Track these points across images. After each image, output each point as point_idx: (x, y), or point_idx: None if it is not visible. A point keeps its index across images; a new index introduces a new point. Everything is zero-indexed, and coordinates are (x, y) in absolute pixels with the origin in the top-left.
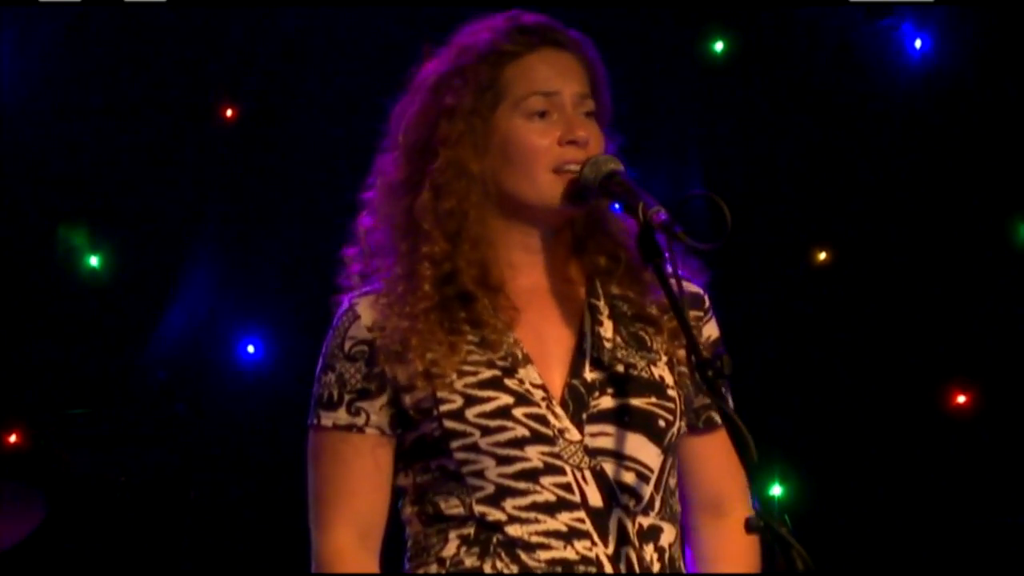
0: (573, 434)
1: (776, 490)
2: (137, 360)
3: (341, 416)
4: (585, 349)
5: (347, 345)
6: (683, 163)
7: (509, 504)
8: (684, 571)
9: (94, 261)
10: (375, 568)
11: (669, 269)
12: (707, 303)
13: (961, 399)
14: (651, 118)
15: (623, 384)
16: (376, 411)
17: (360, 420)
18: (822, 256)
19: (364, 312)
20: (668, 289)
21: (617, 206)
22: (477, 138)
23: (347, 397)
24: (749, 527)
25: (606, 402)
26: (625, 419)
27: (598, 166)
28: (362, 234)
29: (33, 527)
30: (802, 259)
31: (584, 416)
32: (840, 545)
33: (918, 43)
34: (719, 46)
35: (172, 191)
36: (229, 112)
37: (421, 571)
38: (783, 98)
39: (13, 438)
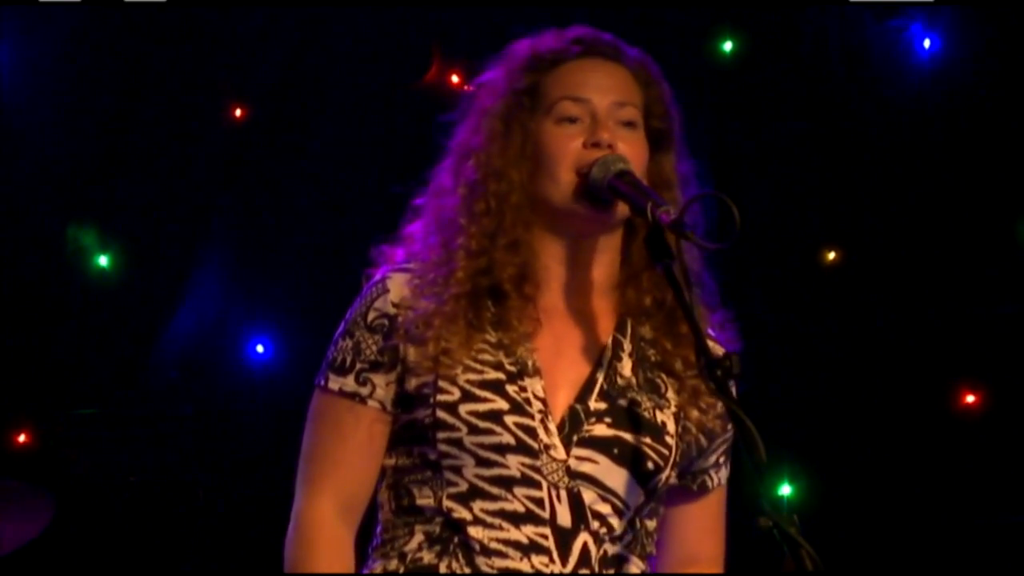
0: (559, 452)
1: (785, 490)
2: (146, 360)
3: (348, 383)
4: (597, 379)
5: (370, 316)
6: (692, 163)
7: (478, 506)
8: None
9: (103, 261)
10: (350, 542)
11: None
12: (734, 371)
13: (970, 399)
14: None
15: (622, 418)
16: (383, 386)
17: (365, 391)
18: (831, 256)
19: (394, 287)
20: (677, 288)
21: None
22: (514, 142)
23: (358, 366)
24: (758, 527)
25: (600, 430)
26: (614, 451)
27: (607, 165)
28: (409, 237)
29: (41, 527)
30: (811, 259)
31: (575, 438)
32: (849, 545)
33: (927, 43)
34: (728, 46)
35: (182, 191)
36: (239, 112)
37: (380, 565)
38: (792, 98)
39: (22, 438)
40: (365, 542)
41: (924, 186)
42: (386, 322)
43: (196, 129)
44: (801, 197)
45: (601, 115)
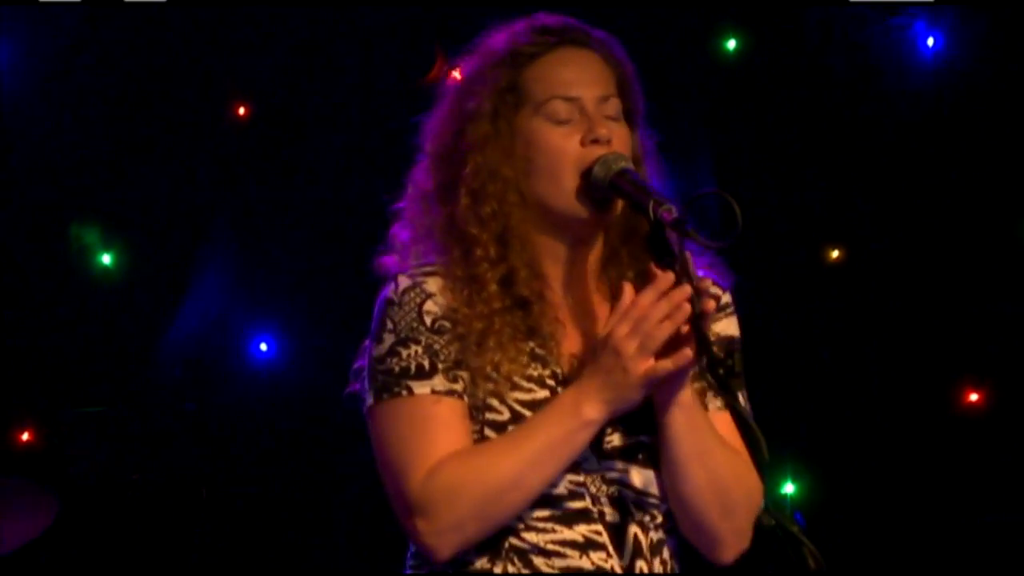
0: (592, 463)
1: (788, 488)
2: (150, 358)
3: (439, 382)
4: None
5: (428, 319)
6: (695, 161)
7: (527, 513)
8: None
9: (106, 259)
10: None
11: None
12: (724, 300)
13: (973, 397)
14: (663, 116)
15: (635, 421)
16: (467, 383)
17: (459, 387)
18: (834, 254)
19: (437, 292)
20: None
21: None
22: (503, 141)
23: (442, 365)
24: (760, 524)
25: (618, 440)
26: (639, 457)
27: (608, 164)
28: (400, 245)
29: (45, 526)
30: (814, 257)
31: (602, 449)
32: (852, 543)
33: (930, 41)
34: (731, 44)
35: (185, 189)
36: (242, 110)
37: (427, 568)
38: (795, 96)
39: (25, 436)
40: (403, 546)
41: (927, 184)
42: (448, 324)
43: (199, 127)
44: (804, 195)
45: (591, 110)
